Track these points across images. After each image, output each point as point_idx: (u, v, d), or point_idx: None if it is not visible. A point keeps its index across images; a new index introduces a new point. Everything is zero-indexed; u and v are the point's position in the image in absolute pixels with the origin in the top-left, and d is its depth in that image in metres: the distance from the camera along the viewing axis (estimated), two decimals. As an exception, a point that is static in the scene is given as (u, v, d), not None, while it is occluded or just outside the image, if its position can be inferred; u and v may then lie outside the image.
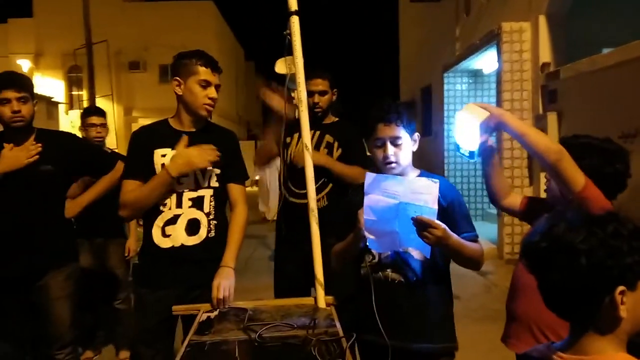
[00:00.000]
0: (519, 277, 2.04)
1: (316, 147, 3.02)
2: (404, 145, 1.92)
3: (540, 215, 2.04)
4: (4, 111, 2.45)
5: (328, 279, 2.21)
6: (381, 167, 1.94)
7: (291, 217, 2.99)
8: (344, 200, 2.32)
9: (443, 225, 1.74)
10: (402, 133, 1.90)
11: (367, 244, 1.87)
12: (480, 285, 6.04)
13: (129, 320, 3.83)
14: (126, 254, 3.86)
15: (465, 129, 2.01)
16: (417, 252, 1.91)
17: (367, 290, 1.90)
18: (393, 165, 1.91)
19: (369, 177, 1.80)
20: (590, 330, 1.08)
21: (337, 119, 3.19)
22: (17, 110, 2.45)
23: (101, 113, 3.85)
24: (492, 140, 2.06)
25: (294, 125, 2.79)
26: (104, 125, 3.79)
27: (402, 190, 1.74)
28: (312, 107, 3.02)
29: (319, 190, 2.94)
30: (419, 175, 1.99)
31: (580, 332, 1.10)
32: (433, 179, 1.74)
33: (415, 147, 1.97)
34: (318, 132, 3.06)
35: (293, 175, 2.95)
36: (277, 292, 3.12)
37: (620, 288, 1.02)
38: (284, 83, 2.85)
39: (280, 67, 2.74)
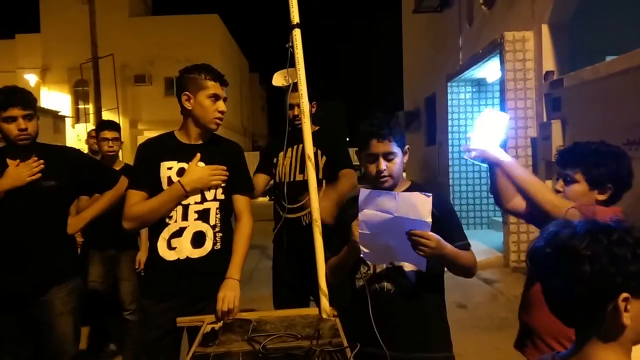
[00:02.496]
0: (535, 289, 2.03)
1: (302, 160, 3.04)
2: (397, 160, 1.95)
3: (548, 219, 2.04)
4: (11, 129, 2.44)
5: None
6: (374, 181, 1.97)
7: (287, 230, 3.03)
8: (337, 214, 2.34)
9: (436, 237, 1.77)
10: (395, 148, 1.94)
11: (362, 256, 1.88)
12: (486, 293, 6.01)
13: (137, 332, 3.84)
14: (137, 266, 3.87)
15: (485, 132, 2.08)
16: (411, 267, 1.93)
17: (362, 302, 1.92)
18: (386, 179, 1.94)
19: (363, 193, 1.83)
20: (594, 338, 1.06)
21: (317, 127, 3.20)
22: (24, 128, 2.45)
23: (113, 127, 3.87)
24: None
25: (277, 145, 2.86)
26: (117, 139, 3.81)
27: (395, 206, 1.77)
28: (292, 120, 3.07)
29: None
30: (410, 187, 2.03)
31: (584, 339, 1.09)
32: (426, 193, 1.76)
33: (406, 159, 2.01)
34: (301, 145, 3.01)
35: (284, 192, 3.00)
36: (276, 302, 3.16)
37: (624, 295, 1.01)
38: (283, 96, 2.88)
39: (277, 80, 2.77)
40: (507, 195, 2.21)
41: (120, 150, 3.97)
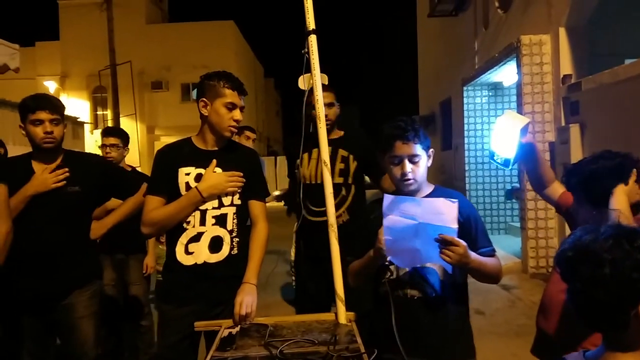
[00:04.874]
0: (552, 294, 2.01)
1: (331, 162, 3.02)
2: (421, 162, 1.93)
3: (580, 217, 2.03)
4: (37, 132, 2.51)
5: (346, 295, 2.22)
6: (398, 183, 1.95)
7: (311, 234, 3.01)
8: (363, 218, 2.32)
9: (464, 244, 1.74)
10: (419, 150, 1.92)
11: (390, 259, 1.86)
12: (504, 299, 5.94)
13: (150, 336, 3.88)
14: (144, 271, 3.90)
15: (503, 135, 2.07)
16: (438, 266, 1.91)
17: (385, 308, 1.90)
18: (411, 182, 1.92)
19: (387, 199, 1.81)
20: (617, 345, 1.05)
21: (342, 132, 3.20)
22: (50, 132, 2.51)
23: (113, 133, 3.88)
24: (530, 137, 2.11)
25: (306, 144, 2.82)
26: (115, 146, 3.81)
27: (420, 212, 1.75)
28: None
29: (338, 206, 2.94)
30: (434, 190, 2.01)
31: (607, 345, 1.08)
32: (451, 200, 1.74)
33: (430, 163, 1.98)
34: (330, 148, 3.04)
35: (310, 194, 2.97)
36: (298, 310, 3.12)
37: None
38: (303, 99, 2.89)
39: (303, 83, 2.78)
40: (546, 180, 2.22)
41: (127, 155, 3.98)
